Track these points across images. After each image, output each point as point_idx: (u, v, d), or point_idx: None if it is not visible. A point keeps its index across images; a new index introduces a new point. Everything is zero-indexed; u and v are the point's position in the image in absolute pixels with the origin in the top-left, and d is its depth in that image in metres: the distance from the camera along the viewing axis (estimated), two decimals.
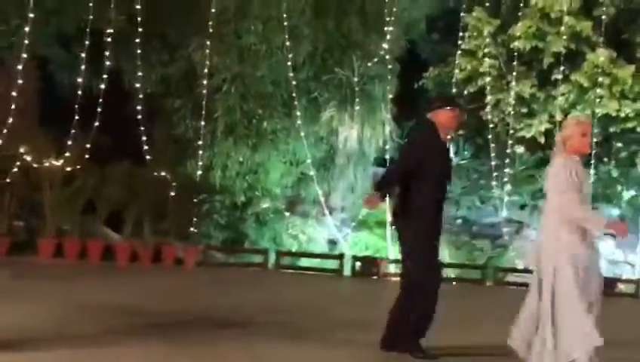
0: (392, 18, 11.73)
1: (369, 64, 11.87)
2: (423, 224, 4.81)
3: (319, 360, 4.74)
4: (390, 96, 12.00)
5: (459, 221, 12.28)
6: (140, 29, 10.93)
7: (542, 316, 4.06)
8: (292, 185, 12.11)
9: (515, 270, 11.65)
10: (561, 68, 11.89)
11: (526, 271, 11.55)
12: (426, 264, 4.81)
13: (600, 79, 11.72)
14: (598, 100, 11.74)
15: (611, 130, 11.79)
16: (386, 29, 11.74)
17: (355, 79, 11.82)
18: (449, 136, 5.31)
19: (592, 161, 11.68)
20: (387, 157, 11.89)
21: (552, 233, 4.03)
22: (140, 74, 11.17)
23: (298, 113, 11.65)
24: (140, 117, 11.12)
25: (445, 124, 5.02)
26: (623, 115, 11.73)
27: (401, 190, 4.92)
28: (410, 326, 4.80)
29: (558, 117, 11.75)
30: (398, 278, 10.24)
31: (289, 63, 11.54)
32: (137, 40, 10.96)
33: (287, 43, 11.46)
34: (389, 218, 11.34)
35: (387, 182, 5.02)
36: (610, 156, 11.81)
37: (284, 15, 11.42)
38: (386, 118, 11.98)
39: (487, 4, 12.19)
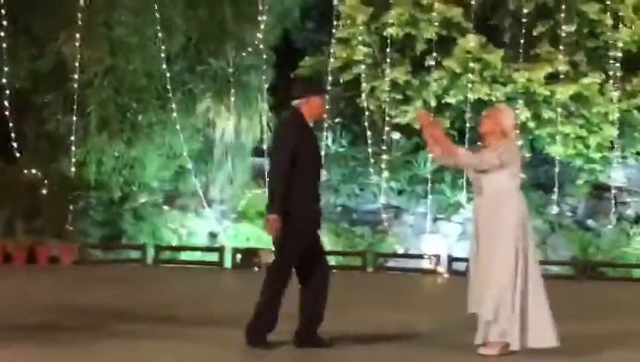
0: (266, 7, 13.98)
1: (244, 54, 14.08)
2: (303, 215, 5.47)
3: (200, 357, 5.33)
4: (266, 86, 14.27)
5: (338, 209, 14.74)
6: (4, 23, 12.81)
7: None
8: (170, 179, 14.20)
9: (395, 255, 14.20)
10: (434, 54, 14.45)
11: (406, 256, 14.19)
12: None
13: (471, 64, 14.33)
14: (470, 85, 14.36)
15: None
16: (259, 18, 13.98)
17: (231, 70, 14.02)
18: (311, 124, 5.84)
19: (467, 146, 14.32)
20: (265, 147, 14.15)
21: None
22: (6, 69, 13.06)
23: (173, 106, 13.74)
24: (8, 113, 13.02)
25: (312, 111, 5.62)
26: (494, 99, 14.38)
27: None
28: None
29: (433, 102, 14.36)
30: None
31: (162, 55, 13.59)
32: (1, 34, 12.84)
33: (160, 34, 13.52)
34: None
35: (282, 192, 5.36)
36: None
37: (156, 6, 13.44)
38: (262, 108, 14.27)
39: None
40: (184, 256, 13.65)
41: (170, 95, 13.73)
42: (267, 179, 6.25)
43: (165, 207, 13.96)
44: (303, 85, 6.17)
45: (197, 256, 13.63)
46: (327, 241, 13.38)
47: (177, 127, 13.75)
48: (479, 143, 5.96)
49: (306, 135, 5.57)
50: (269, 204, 5.49)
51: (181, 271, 12.67)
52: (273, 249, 5.81)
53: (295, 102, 5.60)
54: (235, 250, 13.47)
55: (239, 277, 12.52)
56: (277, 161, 5.56)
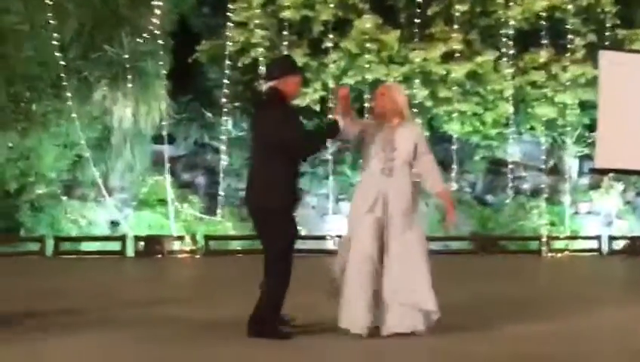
0: None
1: (139, 40, 15.97)
2: (286, 198, 6.06)
3: (103, 347, 5.84)
4: (164, 71, 16.20)
5: (241, 193, 16.84)
6: None
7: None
8: (68, 169, 16.00)
9: (298, 237, 16.35)
10: (331, 36, 16.70)
11: (309, 237, 16.36)
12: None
13: (368, 45, 16.65)
14: (367, 66, 16.66)
15: (377, 92, 16.73)
16: (154, 3, 15.89)
17: (126, 56, 15.89)
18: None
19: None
20: (164, 133, 16.12)
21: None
22: None
23: (69, 94, 15.50)
24: None
25: (291, 91, 6.14)
26: (392, 79, 16.71)
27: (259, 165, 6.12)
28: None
29: (331, 84, 16.60)
30: (183, 255, 14.61)
31: (55, 43, 15.33)
32: None
33: (52, 21, 15.25)
34: (170, 195, 15.71)
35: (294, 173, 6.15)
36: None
37: None
38: (161, 95, 16.21)
39: None
40: (85, 246, 15.30)
41: (65, 83, 15.40)
42: (302, 149, 6.21)
43: (64, 198, 15.68)
44: (279, 65, 6.41)
45: (98, 245, 15.32)
46: (232, 226, 15.49)
47: (74, 115, 15.45)
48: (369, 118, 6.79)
49: (293, 114, 6.15)
50: (270, 189, 6.02)
51: (82, 262, 14.20)
52: (267, 239, 6.18)
53: (272, 83, 6.08)
54: (138, 238, 15.30)
55: (143, 265, 14.19)
56: (274, 147, 5.97)
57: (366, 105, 16.60)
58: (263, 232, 6.22)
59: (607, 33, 17.66)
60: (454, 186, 17.33)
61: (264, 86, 6.36)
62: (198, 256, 15.22)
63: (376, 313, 6.17)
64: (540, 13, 17.46)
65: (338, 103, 6.33)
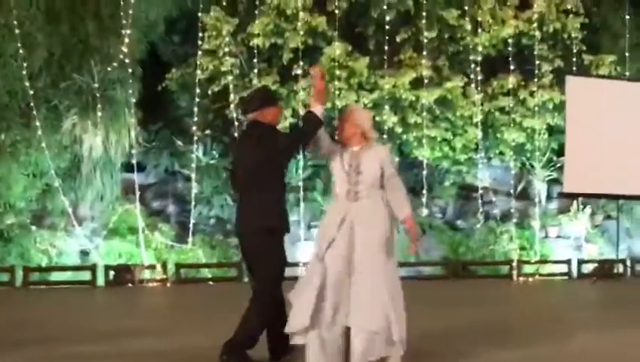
0: (130, 21, 16.05)
1: (109, 69, 16.08)
2: (282, 220, 6.44)
3: None
4: (134, 100, 16.33)
5: (212, 221, 16.99)
6: None
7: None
8: (37, 198, 16.03)
9: None
10: (301, 63, 16.89)
11: None
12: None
13: (338, 72, 16.87)
14: (337, 93, 16.86)
15: (341, 117, 16.91)
16: (123, 31, 16.04)
17: (96, 85, 16.00)
18: None
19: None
20: (134, 162, 16.21)
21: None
22: None
23: (38, 123, 15.59)
24: None
25: (271, 122, 6.45)
26: (362, 105, 16.90)
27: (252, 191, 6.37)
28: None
29: (301, 111, 16.76)
30: (154, 284, 14.72)
31: (24, 72, 15.43)
32: None
33: (21, 51, 15.37)
34: (140, 224, 15.77)
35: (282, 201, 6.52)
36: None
37: (15, 22, 15.30)
38: (131, 123, 16.31)
39: (225, 4, 16.91)
40: (55, 276, 15.35)
41: (34, 112, 15.48)
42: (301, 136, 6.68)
43: (33, 227, 15.68)
44: (257, 98, 6.72)
45: (68, 275, 15.38)
46: (202, 254, 15.59)
47: (43, 144, 15.52)
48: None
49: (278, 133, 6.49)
50: (259, 217, 6.34)
51: (52, 292, 14.35)
52: (261, 263, 6.36)
53: (251, 115, 6.43)
54: (108, 268, 15.39)
55: (113, 294, 14.35)
56: (263, 174, 6.36)
57: (337, 131, 16.70)
58: (258, 256, 6.34)
59: (574, 59, 18.00)
60: (425, 212, 17.52)
61: (245, 120, 6.81)
62: (169, 285, 15.27)
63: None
64: (508, 40, 17.78)
65: (313, 85, 6.62)
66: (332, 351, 6.04)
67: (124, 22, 16.02)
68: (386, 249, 6.23)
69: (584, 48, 18.18)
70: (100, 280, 15.27)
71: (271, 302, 6.28)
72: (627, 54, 18.22)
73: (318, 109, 6.54)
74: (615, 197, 17.35)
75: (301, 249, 16.48)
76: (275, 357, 6.44)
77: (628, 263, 17.60)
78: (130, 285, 15.15)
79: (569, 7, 17.97)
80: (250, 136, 6.51)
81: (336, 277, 6.06)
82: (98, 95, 16.02)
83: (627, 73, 18.28)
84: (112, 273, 15.37)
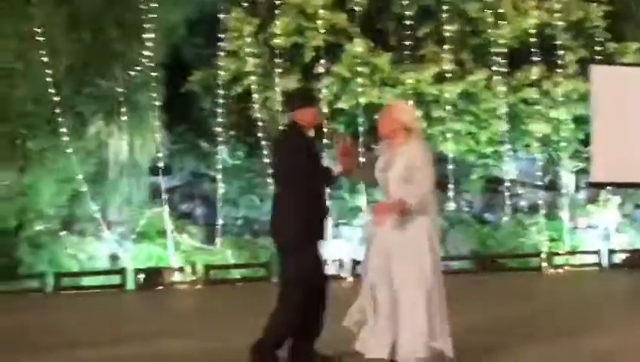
0: (152, 25, 16.18)
1: (132, 73, 16.23)
2: (299, 227, 6.30)
3: None
4: (158, 103, 16.45)
5: (239, 221, 17.09)
6: None
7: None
8: (65, 204, 16.20)
9: None
10: (323, 61, 16.95)
11: None
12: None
13: (360, 69, 16.91)
14: (360, 90, 16.91)
15: (376, 117, 16.96)
16: (145, 36, 16.18)
17: (120, 89, 16.15)
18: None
19: (362, 149, 16.89)
20: (160, 165, 16.34)
21: None
22: None
23: (64, 130, 15.75)
24: None
25: (307, 122, 6.54)
26: (384, 101, 16.93)
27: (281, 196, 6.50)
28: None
29: (325, 109, 16.83)
30: (184, 286, 14.81)
31: (49, 79, 15.59)
32: None
33: (45, 59, 15.54)
34: (169, 226, 15.90)
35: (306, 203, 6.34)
36: (377, 142, 16.90)
37: (38, 30, 15.48)
38: (155, 126, 16.45)
39: (245, 4, 17.02)
40: (85, 281, 15.49)
41: (60, 119, 15.62)
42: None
43: (62, 233, 15.84)
44: (295, 98, 7.08)
45: (99, 280, 15.49)
46: (230, 254, 15.68)
47: (69, 150, 15.65)
48: (376, 147, 6.74)
49: (307, 145, 6.50)
50: (283, 218, 6.39)
51: (83, 297, 14.46)
52: (285, 265, 6.47)
53: (290, 115, 6.70)
54: (138, 271, 15.51)
55: (143, 297, 14.44)
56: (285, 178, 6.50)
57: (360, 128, 16.84)
58: (280, 258, 6.51)
59: (597, 48, 17.96)
60: (452, 206, 17.52)
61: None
62: (198, 286, 15.37)
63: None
64: (530, 31, 17.75)
65: (338, 156, 6.59)
66: None
67: (146, 26, 16.14)
68: (416, 244, 6.17)
69: (608, 36, 18.12)
70: (130, 284, 15.39)
71: (295, 305, 6.31)
72: None
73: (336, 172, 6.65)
74: None
75: (330, 247, 16.50)
76: (294, 359, 6.50)
77: None
78: (160, 288, 15.25)
79: None
80: (281, 138, 6.89)
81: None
82: (122, 100, 16.18)
83: None
84: (141, 276, 15.49)
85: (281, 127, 6.91)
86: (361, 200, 16.88)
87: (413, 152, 6.18)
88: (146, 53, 16.20)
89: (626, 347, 7.29)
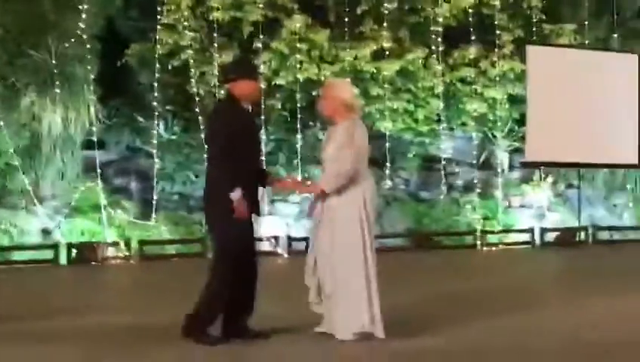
0: None
1: (67, 45, 15.95)
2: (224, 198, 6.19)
3: (39, 356, 6.25)
4: (92, 76, 16.20)
5: (175, 197, 16.99)
6: None
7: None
8: None
9: None
10: (261, 36, 16.88)
11: None
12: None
13: (298, 45, 16.88)
14: (298, 66, 16.89)
15: (314, 93, 16.93)
16: (80, 7, 15.89)
17: (54, 61, 15.86)
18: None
19: (299, 126, 16.91)
20: (95, 139, 16.14)
21: None
22: None
23: None
24: None
25: (244, 95, 6.33)
26: (323, 78, 16.95)
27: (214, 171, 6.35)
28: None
29: (263, 85, 16.76)
30: (118, 261, 14.67)
31: None
32: None
33: None
34: (103, 201, 15.74)
35: (233, 176, 6.16)
36: (316, 120, 16.99)
37: None
38: (90, 100, 16.21)
39: None
40: (17, 255, 15.24)
41: None
42: (208, 168, 6.52)
43: None
44: (231, 68, 6.90)
45: (29, 254, 15.26)
46: (166, 230, 15.60)
47: (1, 123, 15.37)
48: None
49: (240, 118, 6.30)
50: (224, 188, 6.20)
51: (14, 272, 14.25)
52: (213, 237, 6.58)
53: (226, 86, 6.46)
54: (71, 246, 15.33)
55: (77, 272, 14.32)
56: (214, 150, 6.32)
57: (298, 105, 16.84)
58: (208, 230, 6.74)
59: (533, 28, 18.18)
60: (388, 184, 17.66)
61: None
62: (132, 262, 15.27)
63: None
64: (468, 10, 17.90)
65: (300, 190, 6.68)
66: None
67: None
68: (344, 223, 6.47)
69: (544, 17, 18.36)
70: (63, 259, 15.20)
71: (223, 279, 6.32)
72: (586, 23, 18.43)
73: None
74: (576, 166, 17.63)
75: (265, 224, 16.54)
76: (225, 335, 6.49)
77: (590, 231, 17.91)
78: (93, 263, 15.09)
79: None
80: (214, 111, 6.85)
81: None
82: (56, 72, 15.86)
83: (587, 42, 18.50)
84: (74, 251, 15.30)
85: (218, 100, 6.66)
86: (297, 177, 16.88)
87: (343, 132, 6.31)
88: (80, 24, 15.88)
89: (541, 326, 7.46)
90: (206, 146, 6.71)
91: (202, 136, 16.18)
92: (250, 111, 6.68)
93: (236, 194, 6.11)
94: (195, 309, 6.36)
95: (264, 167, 6.77)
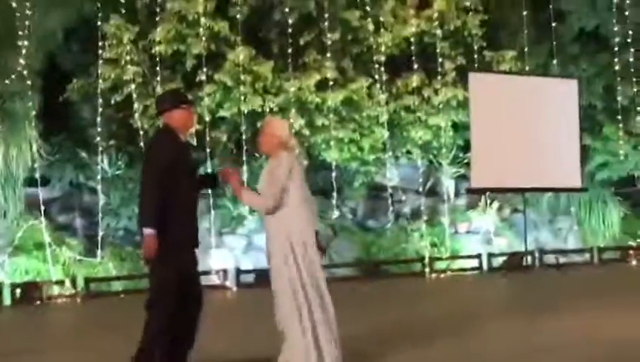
0: (26, 31, 15.76)
1: (7, 81, 15.77)
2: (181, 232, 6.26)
3: None
4: (34, 112, 16.05)
5: (120, 232, 16.82)
6: None
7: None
8: None
9: None
10: (204, 69, 16.86)
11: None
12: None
13: (242, 77, 16.89)
14: (242, 98, 16.89)
15: (258, 125, 16.95)
16: (20, 43, 15.76)
17: None
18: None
19: (244, 158, 16.88)
20: (37, 175, 15.94)
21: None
22: None
23: None
24: None
25: (179, 125, 6.40)
26: (267, 109, 16.98)
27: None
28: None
29: (207, 117, 16.75)
30: (64, 300, 14.43)
31: None
32: None
33: None
34: (47, 239, 15.52)
35: (156, 207, 6.08)
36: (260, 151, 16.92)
37: None
38: (32, 136, 16.05)
39: (124, 11, 16.78)
40: None
41: None
42: (139, 196, 6.34)
43: None
44: (163, 100, 6.72)
45: None
46: (112, 266, 15.43)
47: None
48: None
49: (175, 149, 6.30)
50: (139, 221, 6.23)
51: None
52: (150, 273, 6.55)
53: (161, 117, 6.52)
54: (14, 286, 15.06)
55: (20, 312, 14.07)
56: (146, 181, 6.21)
57: (243, 136, 16.83)
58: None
59: (475, 56, 18.46)
60: (336, 213, 17.70)
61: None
62: (79, 300, 15.06)
63: None
64: (410, 39, 18.12)
65: (231, 183, 6.67)
66: None
67: (20, 33, 15.71)
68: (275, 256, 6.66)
69: (484, 45, 18.66)
70: (7, 299, 14.91)
71: (160, 314, 6.33)
72: (526, 49, 18.76)
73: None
74: (521, 191, 17.83)
75: (213, 256, 16.46)
76: None
77: (536, 254, 18.13)
78: (38, 302, 14.85)
79: (468, 4, 18.52)
80: (149, 142, 6.94)
81: None
82: None
83: (527, 68, 18.83)
84: (18, 291, 15.03)
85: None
86: (245, 209, 16.87)
87: (274, 165, 6.54)
88: (21, 60, 15.73)
89: (492, 346, 7.54)
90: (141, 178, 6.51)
91: None
92: (186, 142, 6.70)
93: (148, 231, 6.08)
94: (138, 351, 6.29)
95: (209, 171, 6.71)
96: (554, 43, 19.16)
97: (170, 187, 6.13)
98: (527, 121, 17.06)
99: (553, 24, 19.16)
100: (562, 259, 18.29)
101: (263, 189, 6.54)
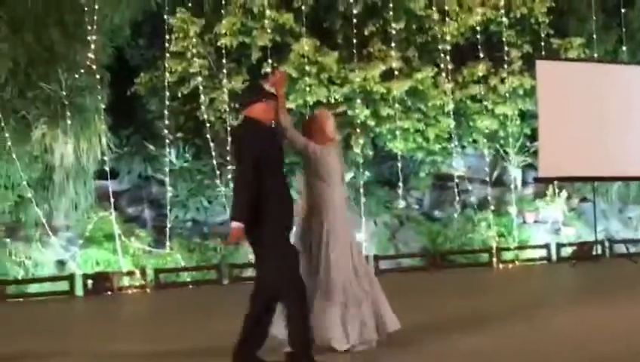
0: (95, 27, 16.04)
1: (76, 76, 16.08)
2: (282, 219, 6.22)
3: None
4: (103, 106, 16.33)
5: (189, 224, 17.05)
6: None
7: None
8: (10, 210, 15.99)
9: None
10: (270, 61, 16.97)
11: None
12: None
13: (307, 68, 16.96)
14: (308, 89, 16.96)
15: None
16: (89, 38, 16.04)
17: (64, 92, 15.99)
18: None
19: None
20: (107, 168, 16.23)
21: None
22: None
23: (7, 134, 15.55)
24: None
25: (261, 117, 6.39)
26: (332, 100, 17.04)
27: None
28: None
29: None
30: (134, 290, 14.70)
31: None
32: None
33: None
34: (117, 230, 15.80)
35: (247, 202, 6.06)
36: None
37: None
38: (101, 129, 16.33)
39: (190, 4, 16.98)
40: (33, 288, 15.25)
41: (3, 123, 15.42)
42: (233, 189, 6.41)
43: (7, 240, 15.62)
44: (244, 95, 7.53)
45: (45, 286, 15.26)
46: (180, 257, 15.64)
47: (13, 155, 15.46)
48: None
49: (263, 140, 6.29)
50: (231, 213, 6.18)
51: (30, 304, 14.28)
52: (255, 262, 6.52)
53: (244, 112, 6.56)
54: (86, 276, 15.35)
55: (92, 303, 14.35)
56: (240, 173, 6.27)
57: None
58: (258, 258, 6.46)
59: (542, 43, 18.26)
60: (402, 204, 17.69)
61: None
62: (148, 291, 15.29)
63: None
64: (476, 27, 17.99)
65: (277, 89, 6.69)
66: None
67: (89, 28, 16.00)
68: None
69: (552, 32, 18.44)
70: (79, 290, 15.19)
71: (293, 300, 6.24)
72: (594, 36, 18.49)
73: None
74: (590, 180, 17.61)
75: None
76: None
77: (606, 244, 17.89)
78: (109, 293, 15.11)
79: None
80: (238, 130, 6.86)
81: None
82: (67, 103, 15.99)
83: (595, 55, 18.55)
84: (90, 282, 15.29)
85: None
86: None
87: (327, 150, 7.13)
88: (89, 55, 16.01)
89: (547, 339, 7.48)
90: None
91: (214, 162, 16.43)
92: (271, 127, 6.71)
93: (235, 224, 6.03)
94: (291, 345, 6.24)
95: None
96: (623, 29, 18.86)
97: (266, 175, 6.15)
98: (596, 109, 16.80)
99: (622, 10, 18.86)
100: (632, 249, 18.02)
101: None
